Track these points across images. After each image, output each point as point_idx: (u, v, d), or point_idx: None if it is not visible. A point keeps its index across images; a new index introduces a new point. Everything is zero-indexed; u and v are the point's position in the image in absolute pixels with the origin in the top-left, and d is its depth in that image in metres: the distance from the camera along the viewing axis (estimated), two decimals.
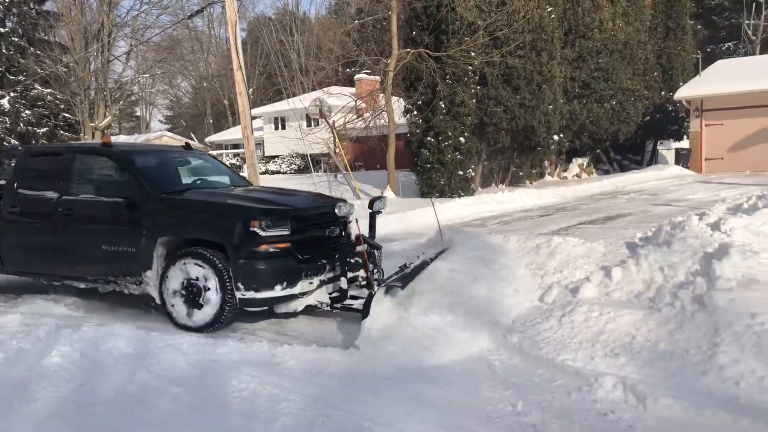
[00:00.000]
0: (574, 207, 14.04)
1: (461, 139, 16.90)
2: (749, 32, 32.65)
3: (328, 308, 5.87)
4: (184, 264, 5.70)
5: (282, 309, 5.75)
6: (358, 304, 5.64)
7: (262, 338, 5.38)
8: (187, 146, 7.85)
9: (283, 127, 36.14)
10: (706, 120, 21.74)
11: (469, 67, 16.75)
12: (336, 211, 6.16)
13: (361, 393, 4.08)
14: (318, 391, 4.10)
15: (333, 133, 19.78)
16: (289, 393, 4.06)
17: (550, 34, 18.28)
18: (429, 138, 16.78)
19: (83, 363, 4.59)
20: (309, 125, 29.88)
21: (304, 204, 6.36)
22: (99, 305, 6.79)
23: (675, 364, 4.01)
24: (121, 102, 38.22)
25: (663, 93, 24.59)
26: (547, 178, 22.02)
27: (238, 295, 5.51)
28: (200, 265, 5.61)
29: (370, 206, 6.21)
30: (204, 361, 4.66)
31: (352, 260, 5.70)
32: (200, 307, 5.63)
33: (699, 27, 32.64)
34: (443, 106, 16.55)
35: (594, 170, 24.07)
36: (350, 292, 5.80)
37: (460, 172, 16.86)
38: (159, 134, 45.46)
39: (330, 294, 5.87)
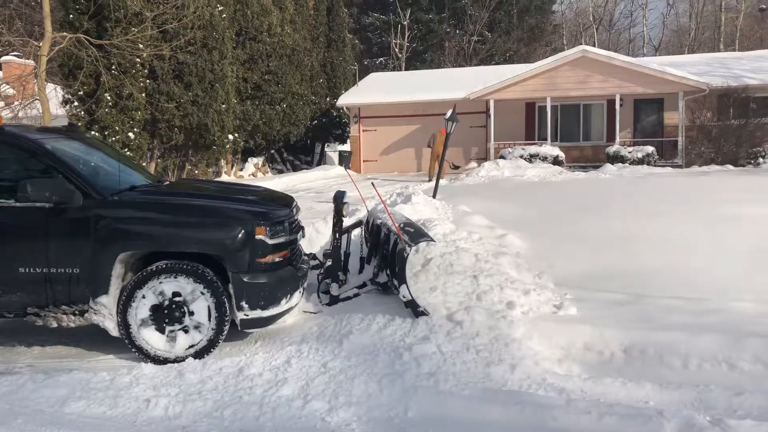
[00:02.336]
0: None
1: (131, 134, 15.96)
2: (396, 50, 37.68)
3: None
4: (162, 283, 4.55)
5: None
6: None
7: None
8: (72, 126, 5.86)
9: None
10: (363, 126, 24.39)
11: (138, 59, 15.86)
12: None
13: None
14: None
15: None
16: None
17: (221, 33, 18.37)
18: (94, 132, 15.41)
19: None
20: None
21: (288, 205, 5.33)
22: None
23: None
24: None
25: (328, 99, 26.81)
26: (224, 176, 22.11)
27: (240, 315, 4.61)
28: (185, 285, 4.55)
29: (341, 213, 5.68)
30: None
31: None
32: (185, 333, 4.57)
33: (357, 41, 36.40)
34: (109, 98, 15.38)
35: (269, 170, 25.00)
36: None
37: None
38: None
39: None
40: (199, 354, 4.57)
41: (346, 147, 27.30)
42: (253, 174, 23.63)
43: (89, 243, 4.57)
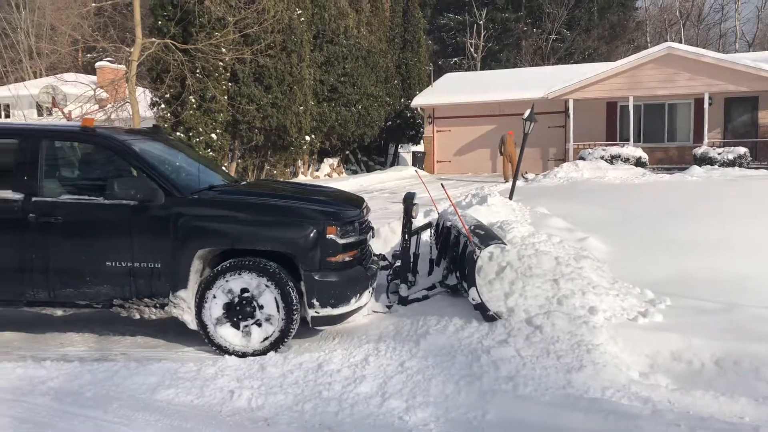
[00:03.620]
0: None
1: (213, 135, 16.59)
2: (472, 50, 37.35)
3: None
4: (235, 280, 4.71)
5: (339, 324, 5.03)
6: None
7: None
8: (156, 128, 6.27)
9: (8, 116, 31.52)
10: (437, 126, 24.33)
11: (220, 63, 16.49)
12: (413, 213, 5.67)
13: (81, 407, 3.79)
14: (28, 411, 3.72)
15: None
16: None
17: (299, 37, 18.80)
18: (178, 133, 16.14)
19: None
20: (40, 115, 26.61)
21: (358, 205, 5.42)
22: None
23: None
24: None
25: (402, 100, 26.92)
26: (301, 177, 22.61)
27: (311, 312, 4.74)
28: (259, 281, 4.69)
29: (410, 214, 5.72)
30: None
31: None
32: (257, 327, 4.72)
33: (430, 42, 36.32)
34: (193, 100, 16.05)
35: (343, 170, 25.36)
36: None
37: None
38: None
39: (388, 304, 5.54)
40: (274, 345, 4.69)
41: (419, 148, 27.32)
42: (328, 174, 24.04)
43: (170, 239, 4.77)
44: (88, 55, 33.03)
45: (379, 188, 18.81)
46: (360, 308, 5.03)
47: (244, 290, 4.73)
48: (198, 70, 16.02)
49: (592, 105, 21.08)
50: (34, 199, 4.91)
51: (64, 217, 4.88)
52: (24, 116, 22.32)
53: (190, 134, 16.14)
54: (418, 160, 24.69)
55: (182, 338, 5.16)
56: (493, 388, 3.85)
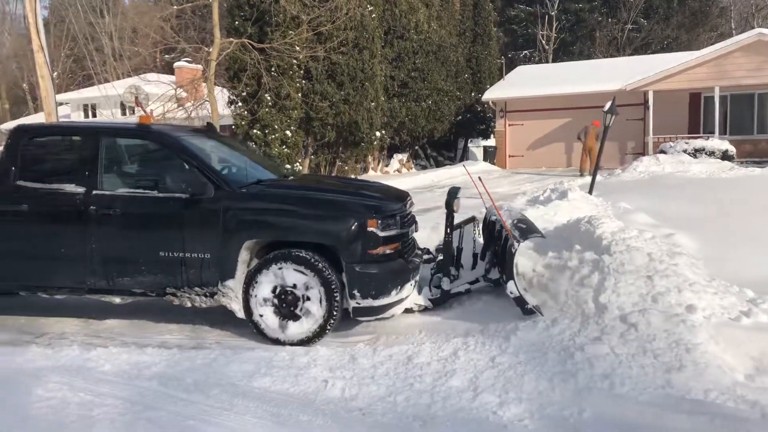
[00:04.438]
0: None
1: (288, 132, 16.93)
2: (543, 42, 36.52)
3: (420, 311, 5.47)
4: (279, 270, 4.90)
5: (383, 316, 5.08)
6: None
7: (73, 342, 5.03)
8: (210, 127, 6.66)
9: (94, 115, 33.27)
10: (510, 120, 23.93)
11: (294, 61, 16.79)
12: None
13: (185, 392, 3.97)
14: (137, 394, 3.92)
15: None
16: (105, 398, 3.84)
17: (371, 33, 18.91)
18: (255, 131, 16.57)
19: None
20: (123, 113, 27.99)
21: (401, 199, 5.56)
22: None
23: None
24: None
25: (473, 94, 26.63)
26: (371, 172, 22.78)
27: (352, 303, 4.90)
28: (301, 272, 4.86)
29: (452, 208, 5.73)
30: (1, 369, 4.21)
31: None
32: (298, 318, 4.90)
33: (501, 34, 35.73)
34: (269, 98, 16.43)
35: (413, 165, 25.36)
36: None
37: (288, 166, 16.86)
38: None
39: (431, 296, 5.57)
40: (311, 339, 4.83)
41: (489, 142, 26.98)
42: (398, 170, 24.10)
43: (219, 231, 4.96)
44: (167, 56, 34.40)
45: (450, 183, 18.68)
46: (401, 300, 5.10)
47: (273, 288, 4.89)
48: (273, 69, 16.37)
49: (673, 96, 20.22)
50: (94, 192, 5.20)
51: (121, 210, 5.14)
52: (112, 114, 23.49)
53: (266, 131, 16.52)
54: (489, 155, 24.39)
55: None
56: (589, 386, 3.77)
